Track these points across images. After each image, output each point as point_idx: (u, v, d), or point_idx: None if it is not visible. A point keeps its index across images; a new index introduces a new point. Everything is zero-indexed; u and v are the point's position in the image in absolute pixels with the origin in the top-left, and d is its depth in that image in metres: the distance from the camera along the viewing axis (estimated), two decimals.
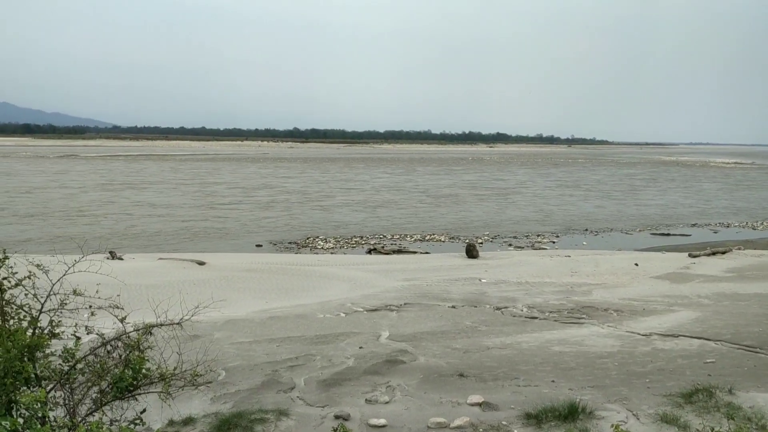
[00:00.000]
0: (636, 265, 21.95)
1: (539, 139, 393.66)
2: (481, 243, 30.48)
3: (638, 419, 7.45)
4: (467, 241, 28.77)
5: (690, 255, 24.20)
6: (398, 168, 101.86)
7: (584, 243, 31.76)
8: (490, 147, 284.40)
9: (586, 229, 36.89)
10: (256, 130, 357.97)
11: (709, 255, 24.12)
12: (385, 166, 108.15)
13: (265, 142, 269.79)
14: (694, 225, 39.52)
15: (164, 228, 35.21)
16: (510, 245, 30.91)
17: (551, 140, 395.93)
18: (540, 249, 29.31)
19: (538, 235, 34.03)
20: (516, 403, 8.02)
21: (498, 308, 14.67)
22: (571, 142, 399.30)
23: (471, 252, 24.42)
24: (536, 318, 13.60)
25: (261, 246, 30.07)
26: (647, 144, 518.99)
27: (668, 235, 35.21)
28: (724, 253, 24.66)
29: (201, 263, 21.03)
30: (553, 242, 31.89)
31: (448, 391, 8.58)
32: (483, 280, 18.91)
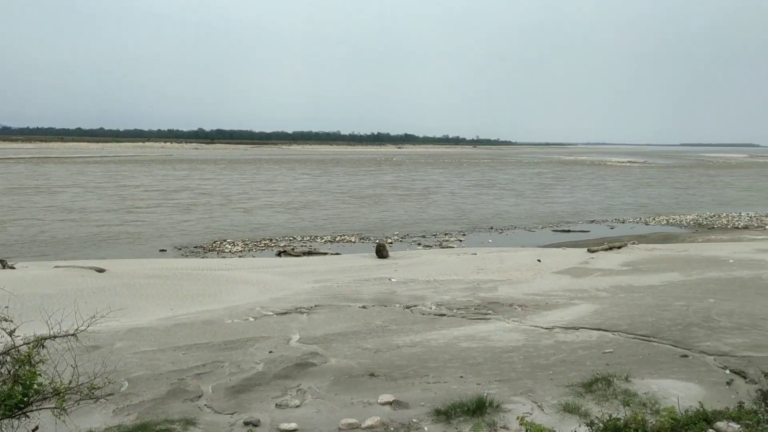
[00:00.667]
0: (539, 261, 22.77)
1: (446, 140, 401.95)
2: (391, 243, 30.76)
3: (542, 410, 7.73)
4: (377, 241, 28.95)
5: (589, 250, 25.36)
6: (315, 169, 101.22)
7: (490, 241, 32.65)
8: (399, 148, 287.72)
9: (492, 227, 37.94)
10: (159, 130, 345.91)
11: (606, 250, 25.37)
12: (302, 167, 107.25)
13: (169, 143, 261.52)
14: (592, 221, 41.44)
15: (76, 233, 33.51)
16: (419, 244, 31.34)
17: (457, 141, 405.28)
18: (448, 247, 29.89)
19: (446, 234, 34.69)
20: (426, 401, 8.14)
21: (407, 307, 14.83)
22: (476, 142, 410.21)
23: (381, 252, 24.59)
24: (444, 315, 13.85)
25: (165, 251, 29.09)
26: (548, 144, 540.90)
27: (569, 231, 36.75)
28: (619, 247, 26.00)
29: (100, 270, 20.10)
30: (460, 241, 32.60)
31: (359, 392, 8.60)
32: (393, 280, 19.08)
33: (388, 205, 49.64)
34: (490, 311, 14.21)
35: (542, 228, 38.25)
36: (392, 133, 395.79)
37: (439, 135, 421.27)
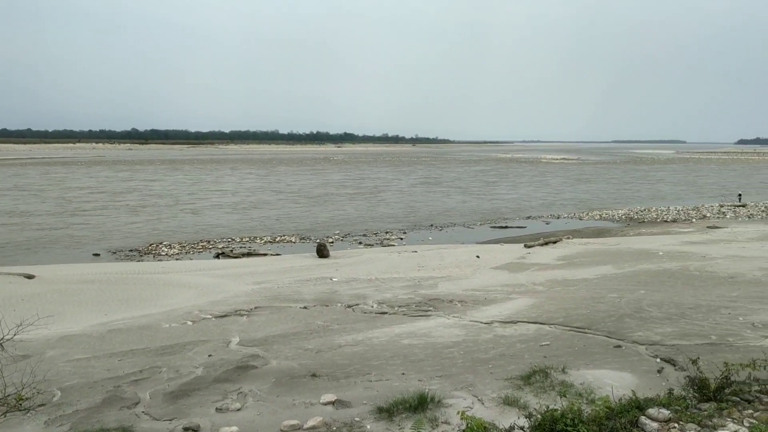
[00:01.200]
0: (477, 257, 23.14)
1: (385, 139, 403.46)
2: (332, 242, 30.68)
3: (483, 404, 7.86)
4: (318, 241, 28.83)
5: (525, 246, 25.91)
6: (260, 169, 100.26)
7: (430, 238, 32.96)
8: (339, 147, 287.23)
9: (432, 225, 38.30)
10: (90, 131, 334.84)
11: (542, 245, 25.99)
12: (246, 167, 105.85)
13: (101, 144, 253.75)
14: (528, 217, 42.36)
15: (15, 238, 32.26)
16: (360, 243, 31.36)
17: (396, 139, 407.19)
18: (389, 246, 30.02)
19: (387, 232, 34.83)
20: (368, 399, 8.16)
21: (349, 306, 14.84)
22: (415, 141, 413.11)
23: (322, 252, 24.52)
24: (386, 313, 13.92)
25: (99, 255, 28.20)
26: (485, 142, 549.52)
27: (506, 227, 37.46)
28: (555, 242, 26.68)
29: (30, 276, 19.33)
30: (401, 239, 32.79)
31: (301, 393, 8.56)
32: (334, 279, 19.05)
33: (339, 203, 49.76)
34: (431, 308, 14.36)
35: (481, 225, 38.84)
36: (332, 132, 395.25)
37: (378, 134, 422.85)
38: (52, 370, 9.67)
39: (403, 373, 9.33)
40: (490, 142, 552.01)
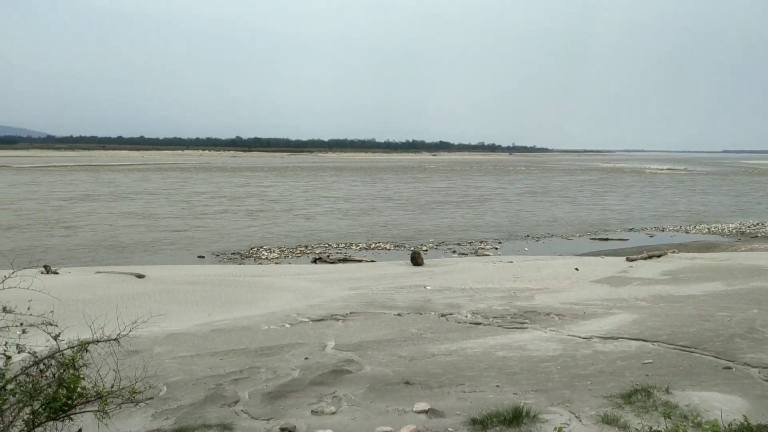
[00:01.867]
0: (576, 269, 22.48)
1: (481, 147, 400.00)
2: (426, 250, 30.69)
3: (580, 421, 7.60)
4: (412, 248, 28.93)
5: (627, 259, 24.94)
6: (364, 176, 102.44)
7: (526, 249, 32.35)
8: (434, 155, 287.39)
9: (528, 235, 37.59)
10: (197, 139, 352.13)
11: (645, 259, 24.91)
12: (350, 174, 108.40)
13: (207, 151, 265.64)
14: (631, 230, 40.76)
15: (142, 238, 34.67)
16: (454, 252, 31.22)
17: (493, 148, 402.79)
18: (483, 255, 29.71)
19: (481, 242, 34.49)
20: (462, 409, 8.08)
21: (443, 315, 14.77)
22: (512, 150, 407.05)
23: (416, 259, 24.57)
24: (480, 324, 13.75)
25: (203, 257, 29.52)
26: (585, 151, 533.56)
27: (607, 239, 36.20)
28: (659, 256, 25.51)
29: (140, 276, 20.48)
30: (496, 249, 32.37)
31: (395, 400, 8.58)
32: (428, 287, 19.03)
33: (447, 211, 50.36)
34: (526, 320, 14.07)
35: (580, 236, 37.75)
36: (427, 141, 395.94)
37: (474, 142, 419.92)
38: (159, 366, 10.17)
39: (498, 386, 9.18)
40: (590, 151, 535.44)
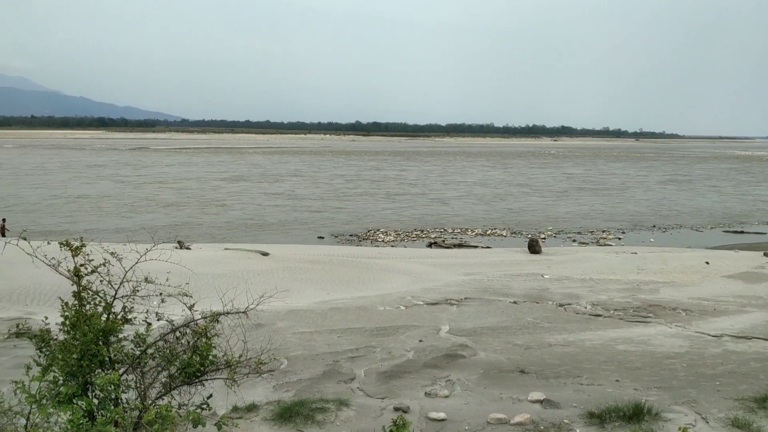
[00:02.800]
0: (707, 263, 21.19)
1: (605, 133, 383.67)
2: (544, 238, 30.01)
3: (707, 423, 7.21)
4: (530, 236, 28.38)
5: (765, 254, 23.19)
6: (492, 161, 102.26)
7: (652, 240, 30.85)
8: (555, 140, 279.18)
9: (654, 226, 35.81)
10: (319, 123, 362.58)
11: None
12: (476, 159, 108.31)
13: (328, 136, 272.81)
14: None
15: (285, 217, 37.09)
16: (574, 241, 30.31)
17: (618, 134, 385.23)
18: (605, 245, 28.64)
19: (603, 231, 33.24)
20: (578, 402, 7.88)
21: (561, 305, 14.42)
22: (639, 135, 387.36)
23: (533, 247, 24.10)
24: (600, 315, 13.32)
25: (323, 238, 30.43)
26: (720, 138, 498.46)
27: (742, 233, 33.82)
28: None
29: (265, 254, 21.45)
30: (619, 239, 31.10)
31: (509, 387, 8.50)
32: (545, 276, 18.62)
33: (585, 198, 49.67)
34: (650, 314, 13.46)
35: (711, 228, 35.50)
36: (548, 126, 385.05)
37: (598, 127, 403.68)
38: (281, 340, 10.63)
39: (617, 380, 8.86)
40: (726, 138, 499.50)
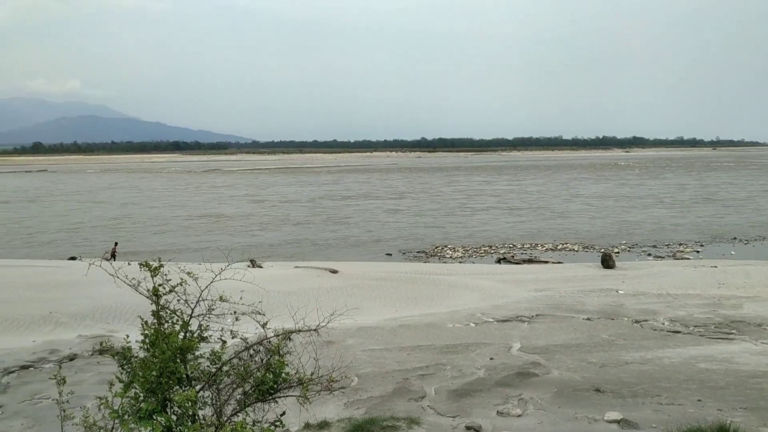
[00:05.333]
0: None
1: (680, 142, 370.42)
2: (618, 253, 29.17)
3: None
4: (602, 250, 27.64)
5: None
6: (589, 174, 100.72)
7: (732, 253, 29.52)
8: (626, 152, 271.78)
9: (735, 238, 34.26)
10: (385, 141, 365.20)
11: None
12: (563, 172, 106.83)
13: (393, 153, 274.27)
14: None
15: (400, 233, 37.73)
16: (649, 255, 29.33)
17: (693, 143, 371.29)
18: (682, 259, 27.59)
19: (680, 244, 32.04)
20: (658, 422, 7.59)
21: (637, 321, 13.96)
22: (715, 144, 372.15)
23: (607, 262, 23.43)
24: (679, 332, 12.81)
25: (391, 255, 30.51)
26: None
27: None
28: None
29: (334, 271, 21.68)
30: (697, 252, 29.90)
31: (584, 407, 8.28)
32: (620, 292, 18.08)
33: (659, 210, 48.15)
34: (733, 330, 12.86)
35: None
36: (619, 136, 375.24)
37: (671, 137, 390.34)
38: (351, 358, 10.70)
39: (699, 400, 8.49)
40: None
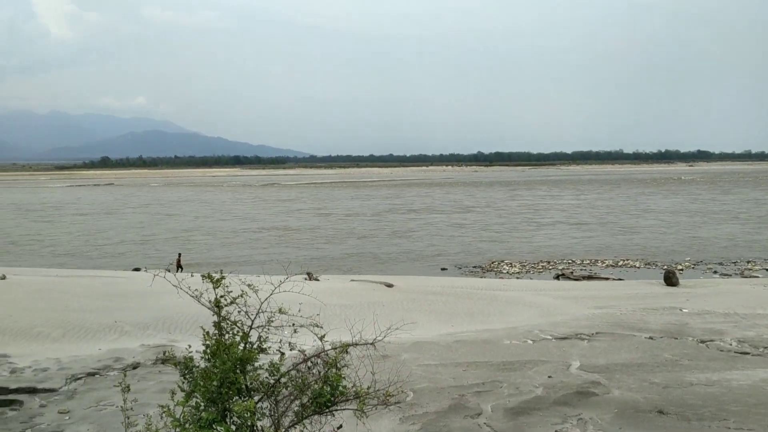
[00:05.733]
0: None
1: (747, 156, 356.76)
2: (681, 270, 28.29)
3: None
4: (665, 267, 26.86)
5: None
6: (653, 188, 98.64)
7: None
8: (690, 166, 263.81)
9: None
10: (441, 155, 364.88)
11: None
12: (600, 186, 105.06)
13: (449, 167, 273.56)
14: None
15: (467, 248, 37.95)
16: (715, 272, 28.34)
17: (762, 157, 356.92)
18: (751, 277, 26.54)
19: (748, 262, 30.84)
20: None
21: (702, 341, 13.47)
22: None
23: (670, 279, 22.75)
24: (748, 353, 12.30)
25: (446, 269, 30.38)
26: None
27: None
28: None
29: (389, 285, 21.71)
30: (767, 269, 28.72)
31: (646, 428, 8.04)
32: (684, 310, 17.50)
33: (725, 226, 46.84)
34: None
35: None
36: (682, 150, 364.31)
37: (738, 150, 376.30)
38: (407, 372, 10.67)
39: None
40: None
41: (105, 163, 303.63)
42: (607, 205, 67.22)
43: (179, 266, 26.97)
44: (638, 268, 30.01)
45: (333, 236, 43.95)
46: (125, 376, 7.15)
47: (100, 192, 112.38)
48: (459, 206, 68.99)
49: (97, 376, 10.73)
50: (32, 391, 9.69)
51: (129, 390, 6.00)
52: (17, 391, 9.62)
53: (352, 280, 23.45)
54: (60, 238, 45.68)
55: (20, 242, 43.54)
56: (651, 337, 13.91)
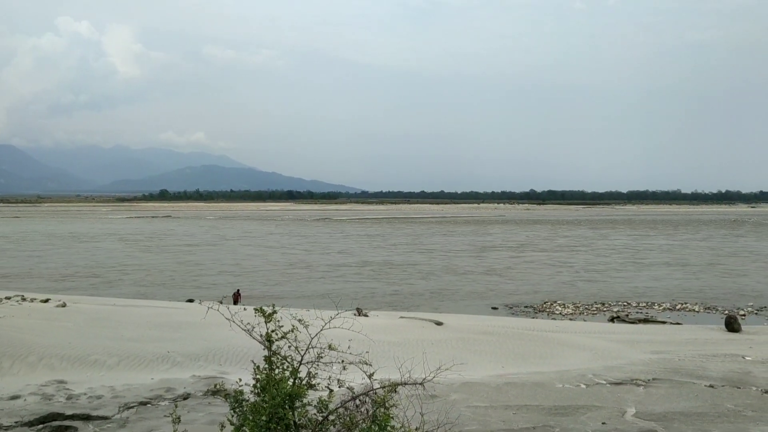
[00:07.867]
0: None
1: None
2: (743, 315, 27.19)
3: None
4: (726, 312, 25.87)
5: None
6: (672, 231, 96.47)
7: None
8: (752, 207, 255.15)
9: None
10: (492, 192, 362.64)
11: None
12: (657, 228, 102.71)
13: (501, 204, 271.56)
14: None
15: (559, 288, 37.52)
16: None
17: None
18: None
19: None
20: None
21: (767, 391, 12.85)
22: None
23: (731, 325, 21.88)
24: None
25: (497, 309, 29.95)
26: None
27: None
28: None
29: (438, 323, 21.51)
30: None
31: None
32: (747, 358, 16.77)
33: None
34: None
35: None
36: (744, 191, 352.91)
37: None
38: (455, 414, 10.49)
39: None
40: None
41: (163, 196, 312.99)
42: (710, 246, 66.35)
43: (236, 300, 27.48)
44: (697, 312, 28.98)
45: (429, 271, 44.70)
46: (176, 406, 7.25)
47: (167, 223, 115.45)
48: (556, 245, 68.63)
49: (149, 405, 10.89)
50: (86, 418, 9.90)
51: (179, 421, 6.06)
52: (72, 417, 9.84)
53: (402, 317, 23.33)
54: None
55: (80, 273, 45.08)
56: (711, 385, 13.35)
